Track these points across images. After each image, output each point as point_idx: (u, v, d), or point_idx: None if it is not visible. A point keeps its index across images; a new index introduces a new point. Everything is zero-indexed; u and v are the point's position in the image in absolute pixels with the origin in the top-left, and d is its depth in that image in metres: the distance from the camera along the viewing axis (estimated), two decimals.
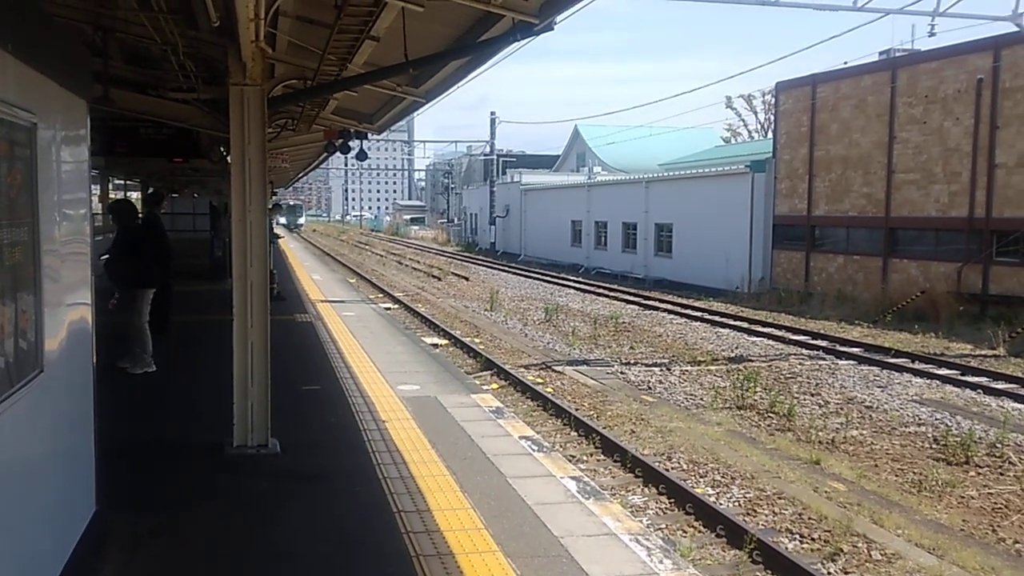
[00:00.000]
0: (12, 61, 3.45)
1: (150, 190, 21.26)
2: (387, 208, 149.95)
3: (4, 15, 3.42)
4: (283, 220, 76.02)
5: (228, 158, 8.68)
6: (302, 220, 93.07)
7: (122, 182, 23.95)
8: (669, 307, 24.25)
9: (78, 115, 4.80)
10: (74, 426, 4.71)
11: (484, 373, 13.88)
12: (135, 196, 23.28)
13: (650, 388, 13.64)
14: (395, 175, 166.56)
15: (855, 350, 17.17)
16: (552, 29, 6.17)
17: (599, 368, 15.04)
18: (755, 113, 64.52)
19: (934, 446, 10.53)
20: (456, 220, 75.89)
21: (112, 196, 21.01)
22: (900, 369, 15.19)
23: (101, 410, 5.18)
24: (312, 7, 6.96)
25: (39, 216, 3.79)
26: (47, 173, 3.99)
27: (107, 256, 10.39)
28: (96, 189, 20.16)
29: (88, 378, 4.96)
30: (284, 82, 8.56)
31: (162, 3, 6.25)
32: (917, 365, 15.54)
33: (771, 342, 18.46)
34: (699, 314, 22.75)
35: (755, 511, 8.01)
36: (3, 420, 3.27)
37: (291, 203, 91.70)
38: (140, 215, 11.25)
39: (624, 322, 20.76)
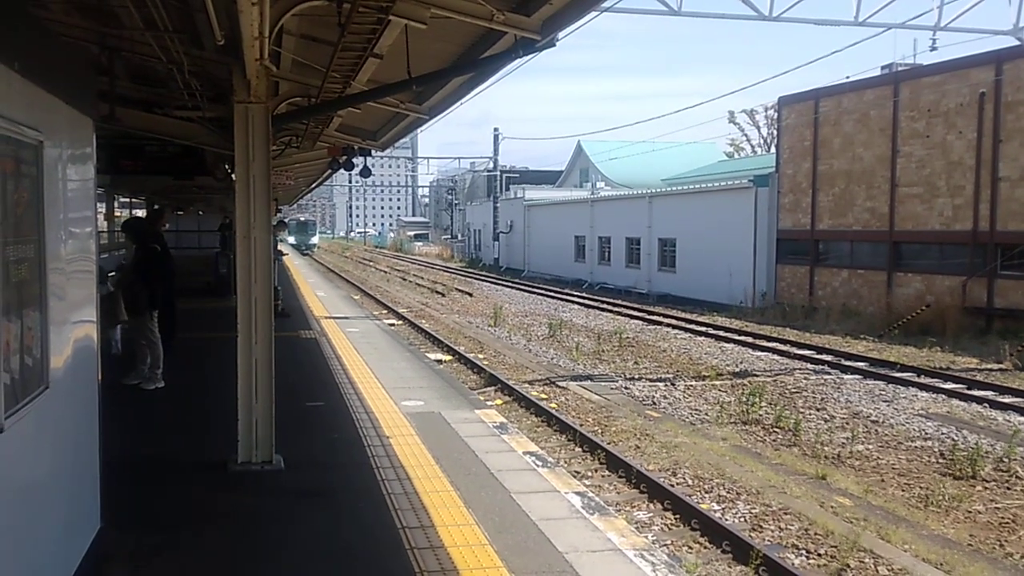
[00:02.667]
0: (19, 80, 3.48)
1: (155, 207, 21.36)
2: (391, 224, 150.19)
3: (11, 35, 3.46)
4: (292, 239, 68.50)
5: (233, 176, 8.71)
6: (315, 239, 78.17)
7: (127, 200, 24.04)
8: (673, 322, 24.23)
9: (84, 133, 4.83)
10: (79, 443, 4.71)
11: (488, 389, 13.87)
12: (140, 213, 23.34)
13: (655, 403, 13.61)
14: (399, 192, 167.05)
15: (860, 364, 17.12)
16: (554, 46, 6.21)
17: (603, 383, 15.02)
18: (758, 128, 64.67)
19: (941, 461, 10.48)
20: (460, 236, 75.97)
21: (117, 214, 21.12)
22: (906, 383, 15.14)
23: (106, 426, 5.18)
24: (316, 25, 7.00)
25: (45, 234, 3.81)
26: (53, 191, 4.01)
27: (113, 274, 10.45)
28: (101, 207, 20.24)
29: (93, 394, 4.97)
30: (288, 100, 8.61)
31: (167, 22, 6.30)
32: (923, 379, 15.49)
33: (776, 357, 18.42)
34: (703, 329, 22.72)
35: (761, 527, 7.97)
36: (9, 436, 3.27)
37: (301, 219, 79.63)
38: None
39: (628, 337, 20.74)
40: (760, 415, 12.59)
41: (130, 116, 9.36)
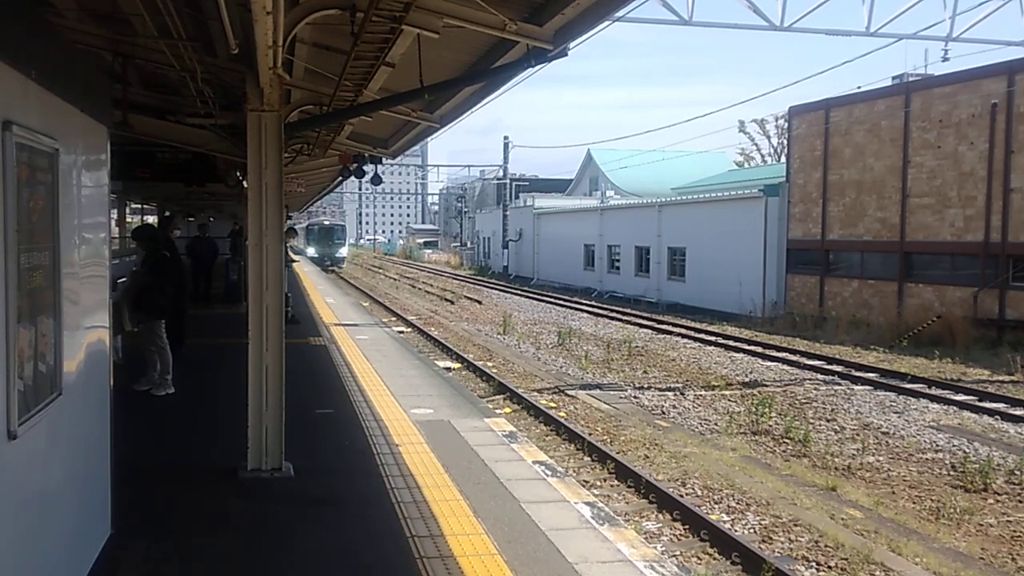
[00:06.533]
0: (35, 88, 3.50)
1: (166, 213, 21.47)
2: (400, 232, 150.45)
3: (28, 44, 3.48)
4: (311, 251, 56.74)
5: (244, 183, 8.73)
6: (344, 251, 59.75)
7: (138, 205, 24.19)
8: (682, 331, 24.17)
9: (99, 141, 4.85)
10: (91, 449, 4.72)
11: (497, 397, 13.85)
12: (151, 219, 23.46)
13: (664, 413, 13.57)
14: (409, 199, 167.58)
15: (871, 375, 17.05)
16: (566, 55, 6.22)
17: (612, 392, 14.99)
18: (768, 137, 64.57)
19: (952, 473, 10.42)
20: (469, 244, 76.00)
21: (129, 220, 21.23)
22: (917, 395, 15.06)
23: (117, 433, 5.19)
24: (329, 34, 7.04)
25: (59, 240, 3.82)
26: (68, 198, 4.03)
27: (123, 280, 10.47)
28: (113, 212, 20.34)
29: (105, 401, 4.98)
30: (300, 108, 8.64)
31: (181, 30, 6.33)
32: (934, 391, 15.40)
33: (785, 367, 18.35)
34: (713, 338, 22.66)
35: (771, 538, 7.93)
36: (22, 443, 3.28)
37: (326, 223, 63.16)
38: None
39: (637, 346, 20.70)
40: (770, 425, 12.54)
41: (143, 123, 9.39)
